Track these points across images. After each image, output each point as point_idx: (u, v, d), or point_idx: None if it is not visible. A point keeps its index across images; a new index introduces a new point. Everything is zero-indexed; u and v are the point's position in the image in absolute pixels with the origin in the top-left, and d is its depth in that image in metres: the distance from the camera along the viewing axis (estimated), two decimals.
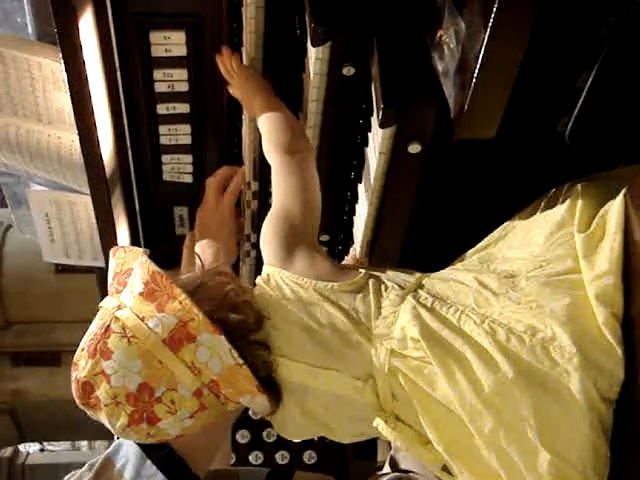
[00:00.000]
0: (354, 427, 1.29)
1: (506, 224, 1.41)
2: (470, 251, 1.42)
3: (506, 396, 1.12)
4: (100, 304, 1.22)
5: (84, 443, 3.48)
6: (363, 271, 1.27)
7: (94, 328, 1.18)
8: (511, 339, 1.14)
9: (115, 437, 2.64)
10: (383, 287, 1.25)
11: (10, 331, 3.09)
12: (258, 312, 1.23)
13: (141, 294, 1.17)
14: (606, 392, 1.11)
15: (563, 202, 1.32)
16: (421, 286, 1.26)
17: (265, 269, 1.29)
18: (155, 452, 1.25)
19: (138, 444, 1.26)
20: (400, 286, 1.25)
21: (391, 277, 1.28)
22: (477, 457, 1.17)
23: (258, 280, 1.29)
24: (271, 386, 1.22)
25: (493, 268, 1.29)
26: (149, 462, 1.25)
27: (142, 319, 1.15)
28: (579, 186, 1.33)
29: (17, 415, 3.25)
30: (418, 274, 1.30)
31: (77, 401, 1.19)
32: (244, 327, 1.21)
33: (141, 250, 1.23)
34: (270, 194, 1.77)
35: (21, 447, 3.56)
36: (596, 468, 1.11)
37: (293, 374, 1.22)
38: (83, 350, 1.18)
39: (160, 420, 1.16)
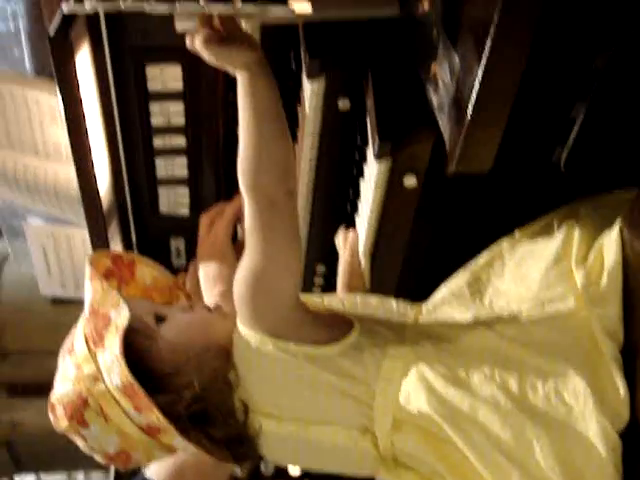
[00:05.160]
0: (344, 467, 1.26)
1: (492, 249, 1.37)
2: (456, 275, 1.36)
3: (527, 448, 1.09)
4: (76, 349, 1.24)
5: (80, 475, 3.45)
6: (355, 325, 1.18)
7: (70, 386, 1.17)
8: (524, 389, 1.11)
9: (111, 469, 2.61)
10: (379, 339, 1.17)
11: (6, 362, 3.06)
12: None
13: (118, 388, 1.13)
14: (618, 430, 1.09)
15: (557, 234, 1.30)
16: (419, 330, 1.21)
17: (243, 332, 1.16)
18: None
19: None
20: (396, 329, 1.20)
21: (385, 320, 1.23)
22: None
23: (235, 338, 1.18)
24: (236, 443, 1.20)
25: (488, 302, 1.27)
26: None
27: (118, 403, 1.13)
28: (573, 217, 1.31)
29: (13, 446, 3.22)
30: (411, 310, 1.28)
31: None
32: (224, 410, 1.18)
33: (118, 299, 1.16)
34: None
35: (17, 478, 3.52)
36: None
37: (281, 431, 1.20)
38: (60, 404, 1.17)
39: None
